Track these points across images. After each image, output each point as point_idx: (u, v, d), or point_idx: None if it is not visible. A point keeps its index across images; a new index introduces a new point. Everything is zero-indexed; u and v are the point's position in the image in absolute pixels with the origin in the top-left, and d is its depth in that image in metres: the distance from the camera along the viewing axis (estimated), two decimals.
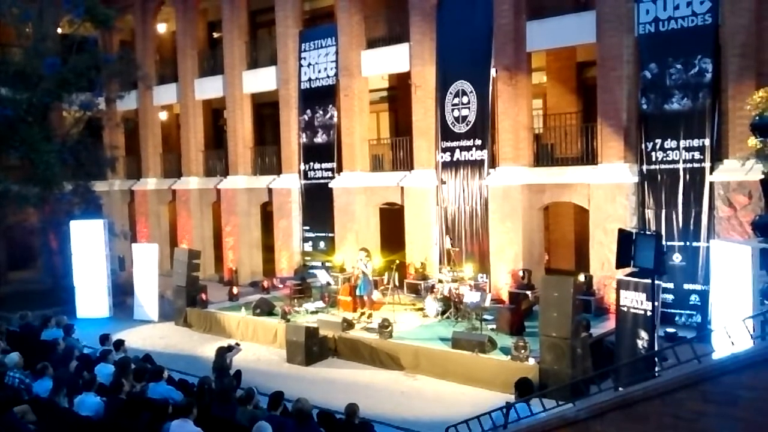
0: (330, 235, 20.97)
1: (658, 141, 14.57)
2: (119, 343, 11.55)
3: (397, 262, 17.64)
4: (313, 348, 14.45)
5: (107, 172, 25.15)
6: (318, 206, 21.23)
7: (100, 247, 20.01)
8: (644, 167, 14.79)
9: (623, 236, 11.36)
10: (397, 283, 17.43)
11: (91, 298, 19.76)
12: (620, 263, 11.38)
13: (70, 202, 21.82)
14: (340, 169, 20.77)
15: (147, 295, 19.57)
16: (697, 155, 14.06)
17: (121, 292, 21.09)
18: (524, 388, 7.57)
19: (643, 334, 10.89)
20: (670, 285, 14.18)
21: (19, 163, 21.40)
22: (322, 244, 21.29)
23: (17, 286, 23.18)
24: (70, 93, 21.56)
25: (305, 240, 21.86)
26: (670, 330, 13.35)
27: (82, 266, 19.92)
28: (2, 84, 20.94)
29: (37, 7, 21.36)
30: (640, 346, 10.91)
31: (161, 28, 27.48)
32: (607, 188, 15.31)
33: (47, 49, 21.20)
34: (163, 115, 27.92)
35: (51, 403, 8.17)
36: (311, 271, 19.87)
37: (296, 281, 18.84)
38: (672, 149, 14.40)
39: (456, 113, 17.74)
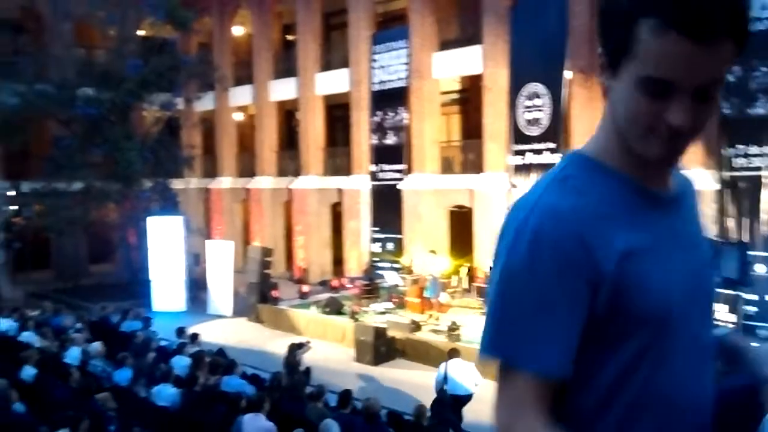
0: (398, 236, 20.97)
1: (741, 147, 13.99)
2: (194, 337, 11.92)
3: (467, 265, 17.52)
4: (381, 348, 14.51)
5: (184, 170, 25.89)
6: (387, 207, 21.25)
7: (177, 242, 20.57)
8: (726, 174, 14.23)
9: None
10: (466, 286, 17.33)
11: (166, 292, 20.32)
12: None
13: (149, 199, 22.58)
14: (409, 171, 20.78)
15: (221, 291, 20.03)
16: None
17: (196, 287, 21.60)
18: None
19: None
20: (754, 297, 13.60)
21: (102, 160, 22.29)
22: (390, 246, 21.32)
23: (97, 278, 24.18)
24: (150, 93, 22.34)
25: (374, 241, 21.92)
26: (753, 344, 12.83)
27: (158, 261, 20.51)
28: (87, 84, 21.87)
29: (121, 11, 22.21)
30: None
31: (238, 30, 28.05)
32: None
33: (130, 51, 22.07)
34: (239, 116, 28.54)
35: (130, 392, 8.49)
36: (379, 271, 19.98)
37: (365, 281, 18.91)
38: (756, 155, 13.81)
39: (528, 116, 17.48)
